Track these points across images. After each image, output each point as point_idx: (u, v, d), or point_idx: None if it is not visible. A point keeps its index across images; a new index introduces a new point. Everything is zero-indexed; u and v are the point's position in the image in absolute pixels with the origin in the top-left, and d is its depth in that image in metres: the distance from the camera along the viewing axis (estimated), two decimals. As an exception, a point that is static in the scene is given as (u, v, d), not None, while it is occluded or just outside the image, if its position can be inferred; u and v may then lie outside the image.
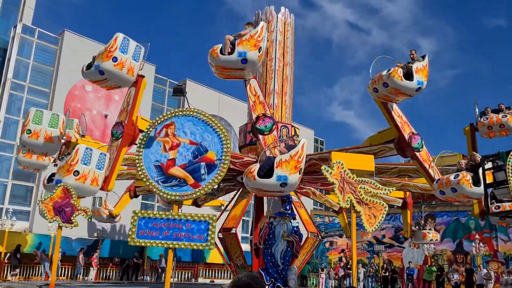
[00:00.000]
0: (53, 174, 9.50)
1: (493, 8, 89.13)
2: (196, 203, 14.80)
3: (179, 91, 8.55)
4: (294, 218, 9.78)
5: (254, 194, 12.47)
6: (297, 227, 9.70)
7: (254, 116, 10.19)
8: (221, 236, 11.34)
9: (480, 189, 9.19)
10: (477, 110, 12.41)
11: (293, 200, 11.10)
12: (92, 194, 10.02)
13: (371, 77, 9.84)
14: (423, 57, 9.86)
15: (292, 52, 14.00)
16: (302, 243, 11.37)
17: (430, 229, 16.57)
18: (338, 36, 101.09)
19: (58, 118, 10.70)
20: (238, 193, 13.20)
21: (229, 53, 9.13)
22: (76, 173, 9.00)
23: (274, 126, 10.19)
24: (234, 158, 11.51)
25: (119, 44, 8.85)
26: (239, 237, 30.00)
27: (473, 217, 23.93)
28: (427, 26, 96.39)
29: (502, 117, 11.91)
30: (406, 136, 10.09)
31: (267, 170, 8.33)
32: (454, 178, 9.29)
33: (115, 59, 8.76)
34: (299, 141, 8.72)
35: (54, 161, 12.28)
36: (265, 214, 10.42)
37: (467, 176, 9.23)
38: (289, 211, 9.63)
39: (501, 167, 8.79)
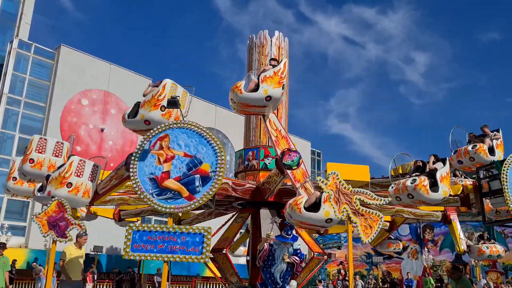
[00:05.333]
0: (42, 186, 9.35)
1: (487, 22, 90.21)
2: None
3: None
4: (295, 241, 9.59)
5: (251, 218, 12.37)
6: (299, 249, 9.51)
7: (278, 152, 9.52)
8: (212, 256, 11.18)
9: (438, 194, 8.73)
10: (450, 138, 10.62)
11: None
12: (84, 205, 10.01)
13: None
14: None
15: (287, 76, 13.94)
16: (304, 264, 11.20)
17: (492, 243, 13.94)
18: (334, 50, 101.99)
19: (63, 147, 10.26)
20: (233, 218, 13.06)
21: (253, 90, 8.83)
22: (69, 185, 9.00)
23: (300, 160, 9.50)
24: (237, 185, 11.35)
25: (167, 92, 8.61)
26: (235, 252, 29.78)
27: (471, 225, 23.90)
28: (422, 41, 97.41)
29: (471, 148, 9.90)
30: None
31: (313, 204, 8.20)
32: (411, 183, 8.79)
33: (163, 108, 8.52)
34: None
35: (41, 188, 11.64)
36: (263, 236, 10.24)
37: (425, 181, 8.68)
38: (291, 236, 9.40)
39: (496, 176, 8.81)
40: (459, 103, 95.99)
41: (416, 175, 9.09)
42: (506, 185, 8.57)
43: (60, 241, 9.25)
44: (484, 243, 13.67)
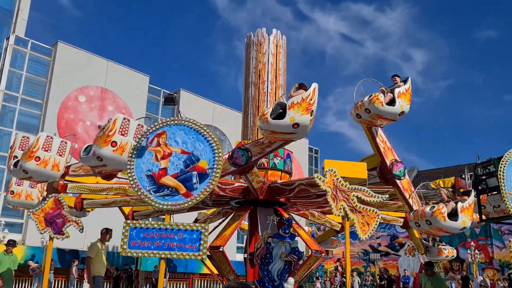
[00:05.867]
0: (89, 146, 8.61)
1: (484, 20, 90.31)
2: None
3: (170, 100, 8.46)
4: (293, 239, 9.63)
5: (248, 216, 12.37)
6: (296, 247, 9.54)
7: (388, 162, 9.93)
8: (209, 254, 11.18)
9: (457, 223, 8.79)
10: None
11: (292, 222, 10.88)
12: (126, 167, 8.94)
13: (354, 102, 9.63)
14: (405, 80, 9.66)
15: (284, 74, 13.86)
16: (302, 262, 11.24)
17: (444, 245, 15.04)
18: (332, 48, 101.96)
19: (66, 146, 9.94)
20: (231, 216, 13.06)
21: (280, 117, 8.53)
22: (114, 143, 8.30)
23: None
24: (224, 185, 11.34)
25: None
26: (235, 247, 29.82)
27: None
28: (420, 38, 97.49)
29: (429, 209, 9.30)
30: (388, 163, 9.88)
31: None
32: (430, 209, 8.92)
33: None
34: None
35: (44, 199, 11.18)
36: (261, 235, 10.25)
37: (442, 209, 8.77)
38: (288, 235, 9.43)
39: (493, 174, 8.83)
40: (456, 101, 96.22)
41: (435, 203, 9.36)
42: (503, 182, 8.59)
43: (57, 238, 9.24)
44: (438, 245, 14.30)
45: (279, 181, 11.91)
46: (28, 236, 22.95)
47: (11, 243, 10.21)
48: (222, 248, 11.19)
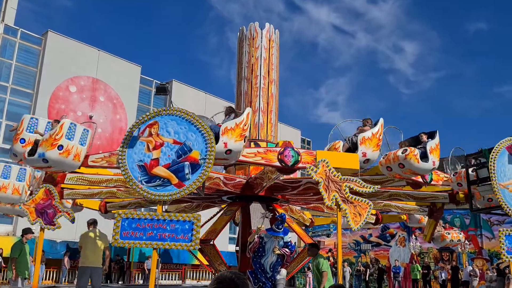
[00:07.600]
0: (33, 149, 8.71)
1: (474, 13, 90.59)
2: None
3: (162, 90, 8.40)
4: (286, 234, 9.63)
5: (241, 211, 12.35)
6: (289, 241, 9.57)
7: None
8: (200, 247, 11.15)
9: (428, 164, 9.11)
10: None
11: (286, 217, 10.86)
12: (74, 168, 9.41)
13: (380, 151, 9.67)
14: (433, 134, 9.65)
15: (277, 69, 13.70)
16: (295, 254, 11.26)
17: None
18: (324, 39, 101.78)
19: (25, 173, 10.74)
20: (222, 210, 13.03)
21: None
22: (60, 147, 8.45)
23: None
24: (228, 180, 11.31)
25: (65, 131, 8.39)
26: (227, 238, 29.85)
27: (457, 213, 24.27)
28: (411, 30, 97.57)
29: (401, 152, 9.19)
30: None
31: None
32: (402, 153, 9.15)
33: (60, 147, 8.35)
34: (244, 111, 8.82)
35: (31, 193, 11.20)
36: (254, 228, 10.26)
37: (415, 151, 9.02)
38: (282, 230, 9.44)
39: (484, 164, 8.90)
40: (447, 92, 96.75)
41: (406, 146, 9.49)
42: (494, 173, 8.66)
43: (48, 229, 9.17)
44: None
45: (253, 176, 11.82)
46: (19, 228, 22.76)
47: (28, 231, 10.35)
48: (213, 242, 11.19)
